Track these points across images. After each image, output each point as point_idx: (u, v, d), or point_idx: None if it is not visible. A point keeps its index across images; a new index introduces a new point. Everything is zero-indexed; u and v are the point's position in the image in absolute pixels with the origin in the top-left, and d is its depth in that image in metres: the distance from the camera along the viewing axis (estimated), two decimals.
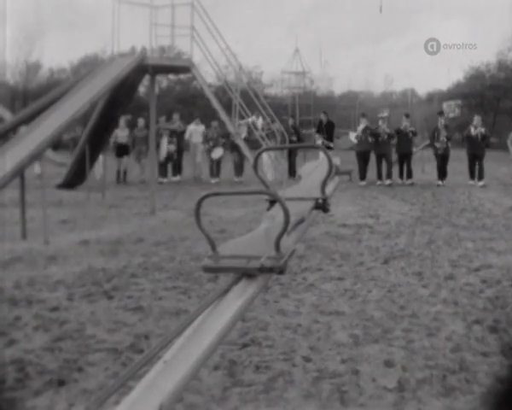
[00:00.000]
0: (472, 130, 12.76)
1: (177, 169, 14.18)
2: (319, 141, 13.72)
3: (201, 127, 14.61)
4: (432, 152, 13.48)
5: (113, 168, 13.55)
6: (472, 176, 12.75)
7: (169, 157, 13.80)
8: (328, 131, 14.08)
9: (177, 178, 14.04)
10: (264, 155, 12.18)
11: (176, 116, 14.43)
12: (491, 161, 13.01)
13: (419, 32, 41.24)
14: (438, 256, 5.91)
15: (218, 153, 14.00)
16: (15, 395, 2.88)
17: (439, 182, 12.83)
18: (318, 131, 14.41)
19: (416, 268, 5.41)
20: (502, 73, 30.10)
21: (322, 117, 14.57)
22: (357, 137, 13.46)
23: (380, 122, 13.58)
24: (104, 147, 11.83)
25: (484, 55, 32.99)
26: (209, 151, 14.11)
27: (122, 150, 13.55)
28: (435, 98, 30.09)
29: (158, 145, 13.27)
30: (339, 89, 37.68)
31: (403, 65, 46.31)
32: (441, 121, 13.14)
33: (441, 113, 14.26)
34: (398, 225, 7.84)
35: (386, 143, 13.16)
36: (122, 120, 13.47)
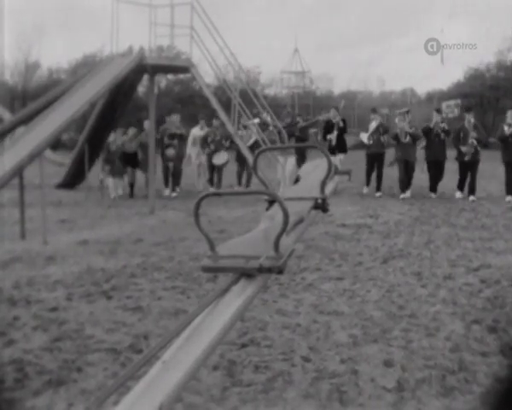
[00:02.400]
0: (506, 129, 10.13)
1: (176, 180, 11.66)
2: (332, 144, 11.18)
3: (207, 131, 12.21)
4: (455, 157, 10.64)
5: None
6: (509, 191, 10.08)
7: (166, 165, 11.56)
8: (340, 128, 11.35)
9: (175, 193, 11.46)
10: (289, 165, 10.76)
11: (176, 117, 11.94)
12: (491, 161, 12.86)
13: (419, 32, 41.32)
14: (437, 256, 5.92)
15: (221, 158, 11.64)
16: (14, 395, 2.88)
17: (459, 194, 10.42)
18: (326, 135, 11.46)
19: (415, 268, 5.42)
20: (501, 73, 30.18)
21: (334, 113, 11.54)
22: (369, 138, 11.06)
23: (396, 120, 10.99)
24: (103, 147, 11.55)
25: (484, 55, 33.11)
26: (210, 156, 11.76)
27: (130, 161, 11.37)
28: (435, 98, 30.13)
29: (163, 148, 11.53)
30: (338, 88, 37.78)
31: (402, 65, 46.39)
32: (469, 120, 10.40)
33: (469, 109, 11.27)
34: (397, 224, 7.84)
35: (409, 145, 10.56)
36: (131, 130, 11.64)
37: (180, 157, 11.73)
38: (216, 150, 11.69)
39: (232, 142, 11.63)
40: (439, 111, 11.11)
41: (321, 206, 2.22)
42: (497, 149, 11.82)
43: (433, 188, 10.69)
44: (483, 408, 2.75)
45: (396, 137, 10.65)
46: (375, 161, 10.98)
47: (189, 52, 10.85)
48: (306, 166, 2.81)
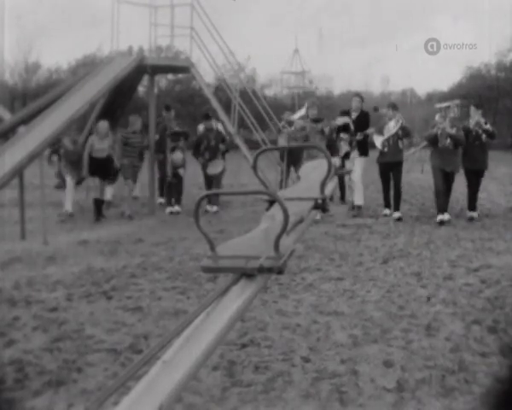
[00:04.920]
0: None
1: (178, 194, 9.31)
2: (345, 148, 8.62)
3: (219, 126, 10.19)
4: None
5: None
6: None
7: (175, 173, 9.14)
8: (362, 126, 8.82)
9: (178, 207, 9.18)
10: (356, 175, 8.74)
11: (172, 112, 9.82)
12: (490, 161, 12.80)
13: (419, 32, 41.40)
14: (437, 256, 5.91)
15: (216, 167, 9.55)
16: (15, 395, 2.88)
17: None
18: (340, 131, 8.68)
19: (415, 268, 5.42)
20: (501, 74, 30.20)
21: (357, 104, 8.99)
22: (384, 145, 8.37)
23: (436, 117, 8.26)
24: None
25: (484, 56, 33.14)
26: (204, 166, 9.57)
27: (99, 168, 8.49)
28: (435, 98, 30.11)
29: (162, 151, 9.19)
30: (338, 89, 37.79)
31: (402, 65, 46.40)
32: None
33: None
34: (398, 224, 7.84)
35: (449, 151, 7.90)
36: (102, 125, 8.77)
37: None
38: (211, 158, 9.53)
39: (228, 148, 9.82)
40: (478, 106, 8.50)
41: (321, 206, 2.22)
42: (500, 148, 11.06)
43: (472, 206, 8.34)
44: (483, 409, 2.75)
45: (434, 140, 8.00)
46: (390, 171, 8.42)
47: (189, 52, 10.85)
48: (306, 167, 2.80)
